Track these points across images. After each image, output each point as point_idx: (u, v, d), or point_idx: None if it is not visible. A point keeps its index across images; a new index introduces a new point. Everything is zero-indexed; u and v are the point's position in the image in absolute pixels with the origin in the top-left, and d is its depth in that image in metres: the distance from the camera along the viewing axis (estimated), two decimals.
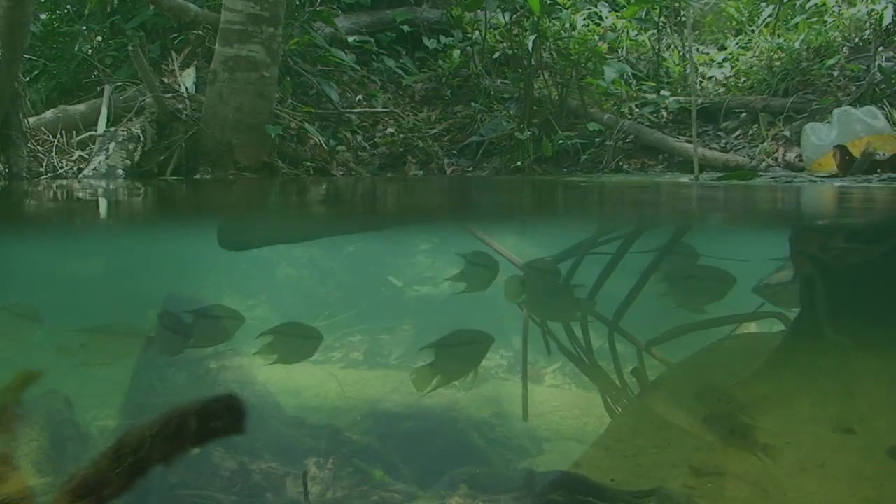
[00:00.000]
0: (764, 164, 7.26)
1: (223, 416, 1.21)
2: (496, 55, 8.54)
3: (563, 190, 6.56)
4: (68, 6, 7.84)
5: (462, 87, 8.51)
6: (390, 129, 7.86)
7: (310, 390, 7.55)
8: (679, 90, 8.40)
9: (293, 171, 6.95)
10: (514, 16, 8.35)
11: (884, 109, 7.05)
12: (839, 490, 3.35)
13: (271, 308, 9.37)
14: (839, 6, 8.51)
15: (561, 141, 7.61)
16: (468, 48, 8.64)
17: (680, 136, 7.85)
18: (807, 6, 8.51)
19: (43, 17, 7.89)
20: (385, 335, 8.90)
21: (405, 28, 8.73)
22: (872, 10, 8.23)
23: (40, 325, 5.39)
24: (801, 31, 8.40)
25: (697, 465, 3.52)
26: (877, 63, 7.73)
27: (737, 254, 5.54)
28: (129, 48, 6.65)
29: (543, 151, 7.61)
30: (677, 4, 9.02)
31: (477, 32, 8.72)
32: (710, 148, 7.66)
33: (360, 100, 8.14)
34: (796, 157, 7.19)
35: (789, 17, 8.74)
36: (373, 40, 8.46)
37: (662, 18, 8.91)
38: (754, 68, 8.32)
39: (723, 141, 7.84)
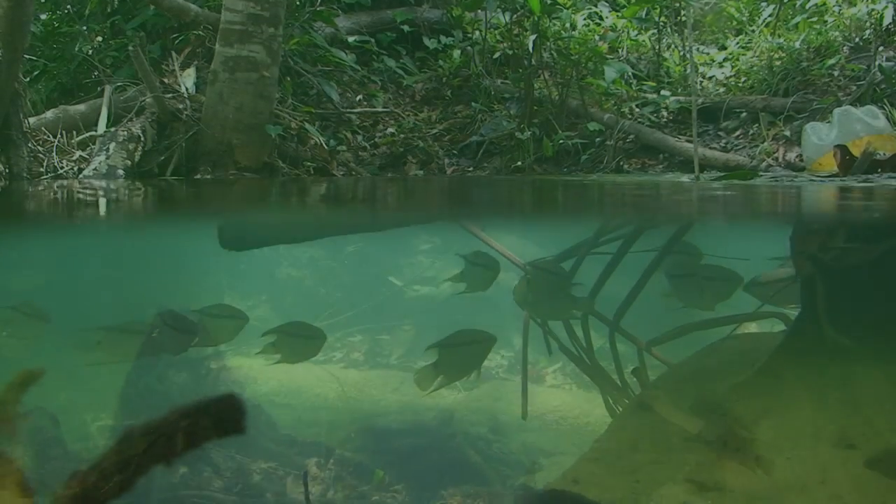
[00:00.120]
0: (764, 163, 7.25)
1: (223, 417, 1.21)
2: (496, 55, 8.54)
3: (563, 190, 6.56)
4: (68, 6, 7.84)
5: (462, 87, 8.51)
6: (391, 129, 7.86)
7: (310, 391, 7.55)
8: (679, 90, 8.40)
9: (293, 172, 6.95)
10: (515, 16, 8.34)
11: (884, 109, 7.05)
12: None
13: (272, 308, 9.38)
14: (839, 6, 8.51)
15: (561, 141, 7.61)
16: (468, 48, 8.64)
17: (680, 136, 7.85)
18: (807, 6, 8.50)
19: (43, 17, 7.89)
20: (385, 335, 8.90)
21: (405, 28, 8.73)
22: (873, 9, 8.23)
23: (48, 325, 5.42)
24: (801, 30, 8.39)
25: (698, 482, 3.49)
26: (877, 63, 7.73)
27: (737, 253, 5.55)
28: (130, 48, 6.65)
29: (544, 151, 7.61)
30: (678, 4, 9.02)
31: (477, 32, 8.72)
32: (710, 148, 7.66)
33: (360, 100, 8.14)
34: (797, 156, 7.19)
35: (790, 17, 8.73)
36: (373, 40, 8.46)
37: (663, 18, 8.91)
38: (755, 68, 8.32)
39: (723, 141, 7.84)
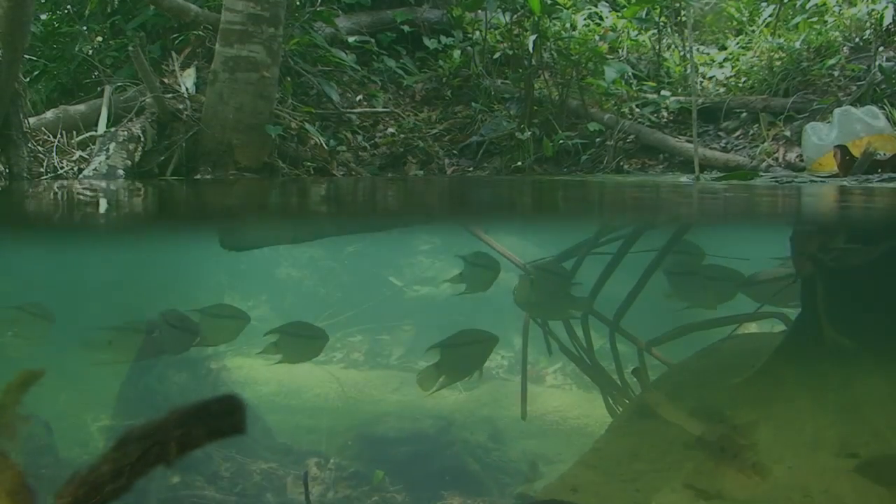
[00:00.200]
0: (764, 164, 7.25)
1: (223, 417, 1.20)
2: (497, 55, 8.53)
3: (563, 190, 6.56)
4: (69, 6, 7.83)
5: (462, 88, 8.50)
6: (391, 130, 7.86)
7: (310, 391, 7.55)
8: (679, 90, 8.40)
9: (293, 172, 6.94)
10: (515, 16, 8.34)
11: (884, 109, 7.04)
12: None
13: (272, 308, 9.38)
14: (839, 6, 8.50)
15: (561, 141, 7.61)
16: (468, 48, 8.63)
17: (680, 137, 7.85)
18: (807, 6, 8.50)
19: (43, 17, 7.88)
20: (385, 335, 8.90)
21: (405, 28, 8.72)
22: (873, 10, 8.22)
23: (53, 324, 5.42)
24: (801, 31, 8.39)
25: (698, 490, 3.46)
26: (877, 63, 7.72)
27: (737, 254, 5.55)
28: (130, 48, 6.64)
29: (544, 151, 7.60)
30: (678, 4, 9.01)
31: (477, 32, 8.72)
32: (710, 148, 7.65)
33: (360, 100, 8.14)
34: (797, 157, 7.19)
35: (790, 17, 8.73)
36: (373, 40, 8.45)
37: (663, 18, 8.91)
38: (755, 68, 8.31)
39: (723, 141, 7.84)
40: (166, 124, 6.67)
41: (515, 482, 5.98)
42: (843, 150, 5.74)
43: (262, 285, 9.69)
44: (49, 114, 6.70)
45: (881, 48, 8.05)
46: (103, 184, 6.00)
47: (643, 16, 8.54)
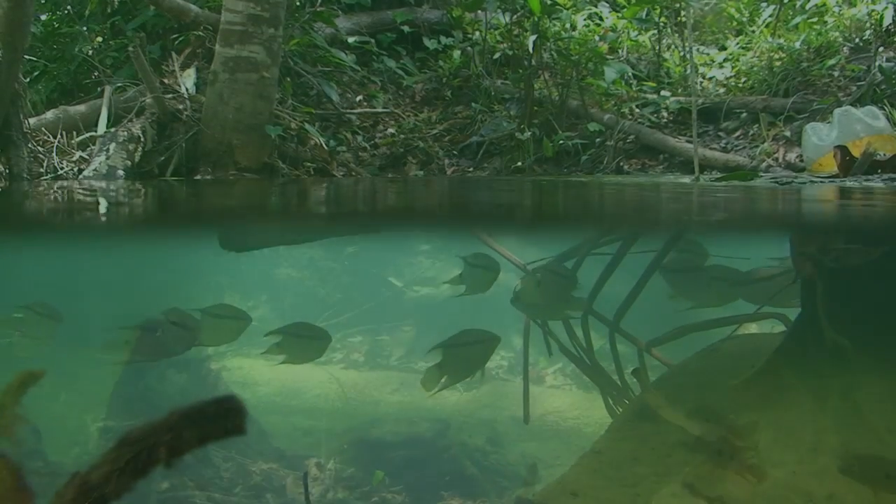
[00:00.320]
0: (764, 164, 7.25)
1: (224, 419, 1.20)
2: (496, 55, 8.53)
3: (563, 190, 6.55)
4: (68, 7, 7.84)
5: (462, 88, 8.51)
6: (391, 130, 7.86)
7: (310, 392, 7.55)
8: (679, 90, 8.40)
9: (293, 172, 6.94)
10: (515, 16, 8.34)
11: (884, 110, 7.05)
12: None
13: (272, 309, 9.38)
14: (839, 6, 8.51)
15: (561, 141, 7.61)
16: (468, 49, 8.64)
17: (680, 137, 7.85)
18: (807, 7, 8.50)
19: (43, 17, 7.89)
20: (385, 336, 8.90)
21: (405, 29, 8.73)
22: (873, 10, 8.23)
23: (60, 324, 5.43)
24: (801, 31, 8.39)
25: (700, 495, 3.44)
26: (877, 63, 7.72)
27: (737, 253, 5.54)
28: (130, 49, 6.65)
29: (544, 152, 7.60)
30: (678, 5, 9.01)
31: (477, 33, 8.72)
32: (710, 148, 7.65)
33: (360, 100, 8.14)
34: (797, 157, 7.19)
35: (790, 18, 8.73)
36: (373, 41, 8.46)
37: (663, 19, 8.91)
38: (755, 69, 8.31)
39: (723, 141, 7.84)
40: (166, 125, 6.67)
41: (514, 486, 5.97)
42: (843, 150, 5.73)
43: (261, 286, 9.70)
44: (49, 114, 6.71)
45: (881, 48, 8.05)
46: (103, 184, 6.00)
47: (643, 16, 8.55)
